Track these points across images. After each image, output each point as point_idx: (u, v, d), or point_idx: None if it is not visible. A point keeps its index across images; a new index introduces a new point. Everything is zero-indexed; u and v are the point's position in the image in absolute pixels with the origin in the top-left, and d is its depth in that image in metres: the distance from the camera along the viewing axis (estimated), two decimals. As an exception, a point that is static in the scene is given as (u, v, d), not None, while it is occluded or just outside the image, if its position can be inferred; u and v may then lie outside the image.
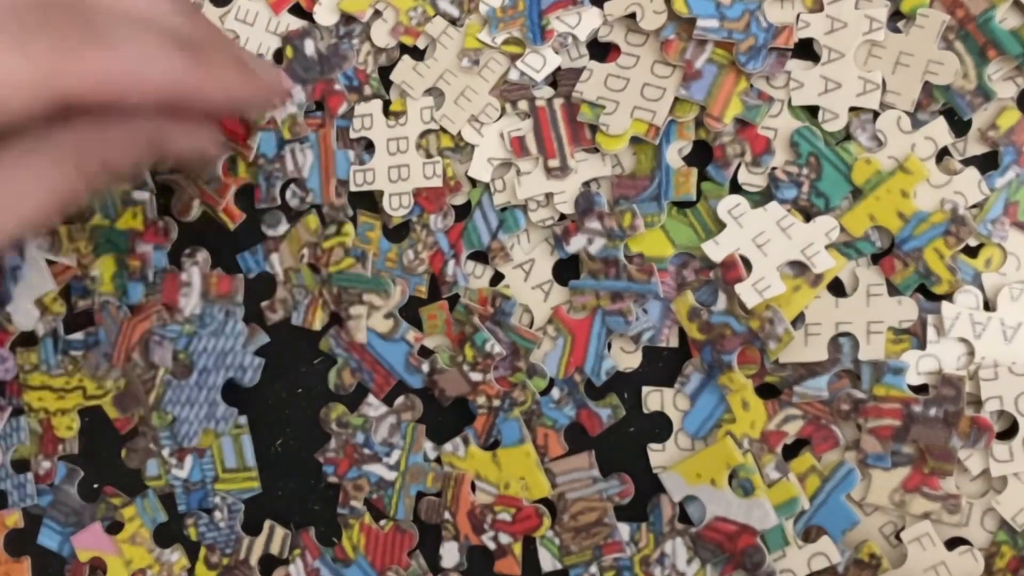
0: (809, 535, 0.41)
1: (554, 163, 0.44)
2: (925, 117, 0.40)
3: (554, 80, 0.44)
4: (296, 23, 0.47)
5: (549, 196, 0.44)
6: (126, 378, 0.49)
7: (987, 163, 0.40)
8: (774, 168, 0.42)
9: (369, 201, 0.47)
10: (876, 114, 0.41)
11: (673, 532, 0.42)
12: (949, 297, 0.40)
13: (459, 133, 0.45)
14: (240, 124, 0.48)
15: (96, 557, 0.49)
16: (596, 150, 0.44)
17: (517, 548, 0.44)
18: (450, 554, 0.45)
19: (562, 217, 0.44)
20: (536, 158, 0.44)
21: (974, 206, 0.40)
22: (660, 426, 0.43)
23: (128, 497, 0.49)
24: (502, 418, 0.44)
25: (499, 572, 0.45)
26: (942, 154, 0.40)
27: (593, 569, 0.43)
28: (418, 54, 0.46)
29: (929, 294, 0.40)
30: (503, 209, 0.45)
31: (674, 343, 0.43)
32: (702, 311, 0.42)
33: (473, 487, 0.45)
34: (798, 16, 0.41)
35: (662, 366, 0.44)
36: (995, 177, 0.40)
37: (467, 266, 0.45)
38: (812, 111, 0.41)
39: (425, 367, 0.45)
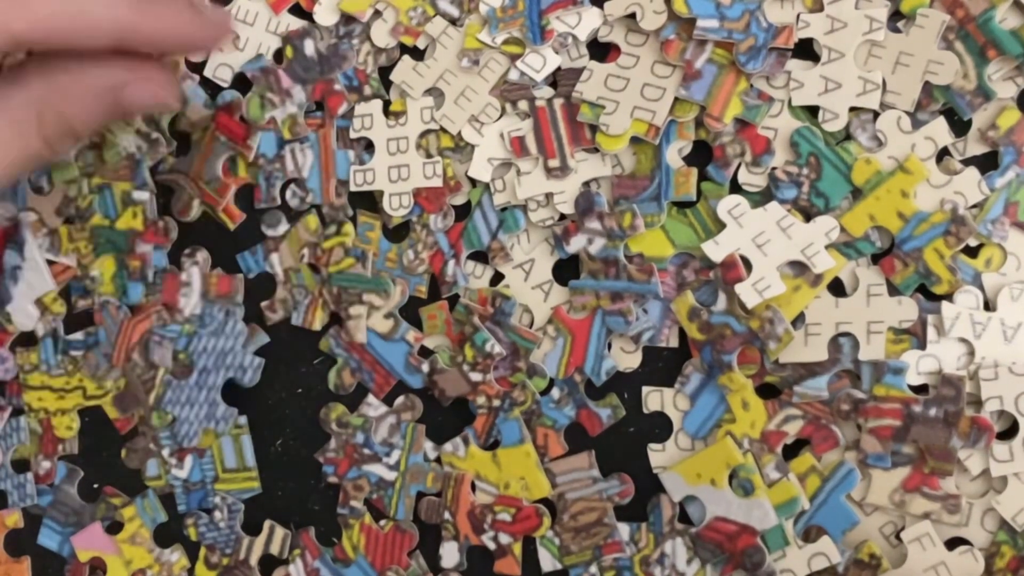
0: (809, 535, 0.41)
1: (554, 163, 0.44)
2: (925, 117, 0.40)
3: (554, 80, 0.44)
4: (296, 23, 0.47)
5: (549, 196, 0.44)
6: (126, 378, 0.49)
7: (987, 163, 0.40)
8: (774, 168, 0.42)
9: (369, 201, 0.47)
10: (876, 114, 0.41)
11: (673, 532, 0.42)
12: (949, 297, 0.40)
13: (459, 133, 0.45)
14: (240, 124, 0.48)
15: (96, 557, 0.49)
16: (596, 150, 0.44)
17: (517, 548, 0.44)
18: (450, 554, 0.45)
19: (562, 217, 0.44)
20: (536, 158, 0.44)
21: (974, 206, 0.40)
22: (660, 426, 0.43)
23: (128, 497, 0.49)
24: (502, 418, 0.44)
25: (499, 572, 0.45)
26: (942, 154, 0.40)
27: (593, 569, 0.43)
28: (418, 54, 0.46)
29: (929, 294, 0.40)
30: (503, 209, 0.45)
31: (674, 343, 0.43)
32: (702, 311, 0.42)
33: (473, 487, 0.45)
34: (798, 16, 0.41)
35: (662, 366, 0.44)
36: (995, 177, 0.40)
37: (467, 266, 0.45)
38: (812, 111, 0.41)
39: (425, 367, 0.45)
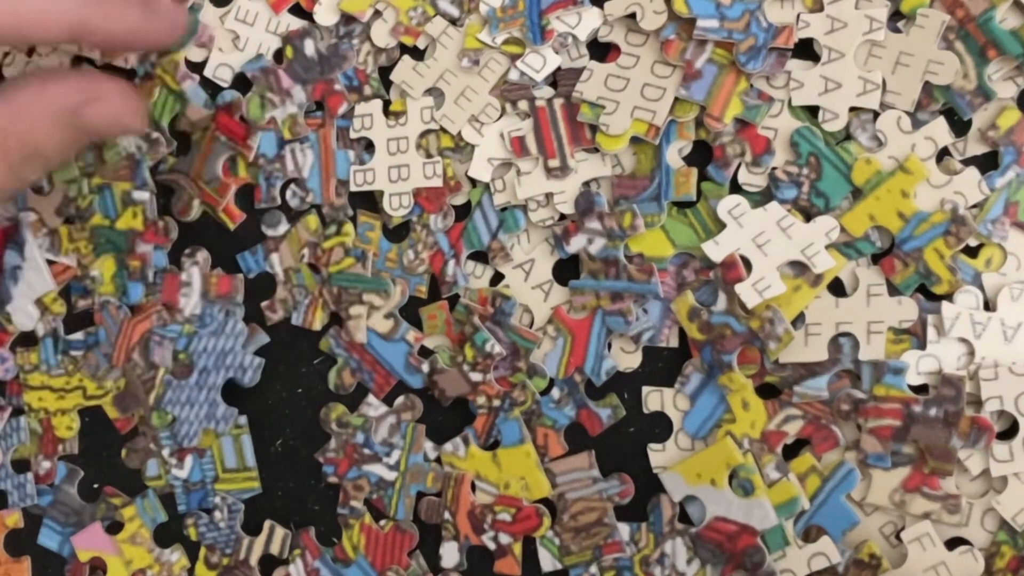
0: (809, 535, 0.41)
1: (554, 163, 0.44)
2: (925, 117, 0.40)
3: (554, 80, 0.44)
4: (296, 23, 0.47)
5: (549, 196, 0.44)
6: (126, 378, 0.49)
7: (987, 163, 0.40)
8: (774, 168, 0.42)
9: (369, 201, 0.47)
10: (876, 114, 0.41)
11: (673, 532, 0.42)
12: (949, 297, 0.40)
13: (459, 133, 0.45)
14: (240, 124, 0.48)
15: (96, 557, 0.49)
16: (596, 150, 0.44)
17: (517, 548, 0.44)
18: (450, 554, 0.45)
19: (562, 217, 0.44)
20: (536, 158, 0.44)
21: (974, 206, 0.40)
22: (660, 426, 0.43)
23: (128, 497, 0.49)
24: (502, 418, 0.44)
25: (499, 572, 0.45)
26: (942, 154, 0.40)
27: (593, 569, 0.43)
28: (418, 54, 0.46)
29: (929, 294, 0.40)
30: (503, 209, 0.45)
31: (674, 343, 0.43)
32: (702, 311, 0.42)
33: (473, 487, 0.45)
34: (798, 16, 0.41)
35: (662, 366, 0.44)
36: (995, 177, 0.40)
37: (467, 266, 0.45)
38: (812, 111, 0.41)
39: (425, 367, 0.45)
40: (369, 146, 0.46)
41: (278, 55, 0.48)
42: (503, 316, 0.44)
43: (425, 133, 0.46)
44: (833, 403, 0.41)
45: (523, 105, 0.44)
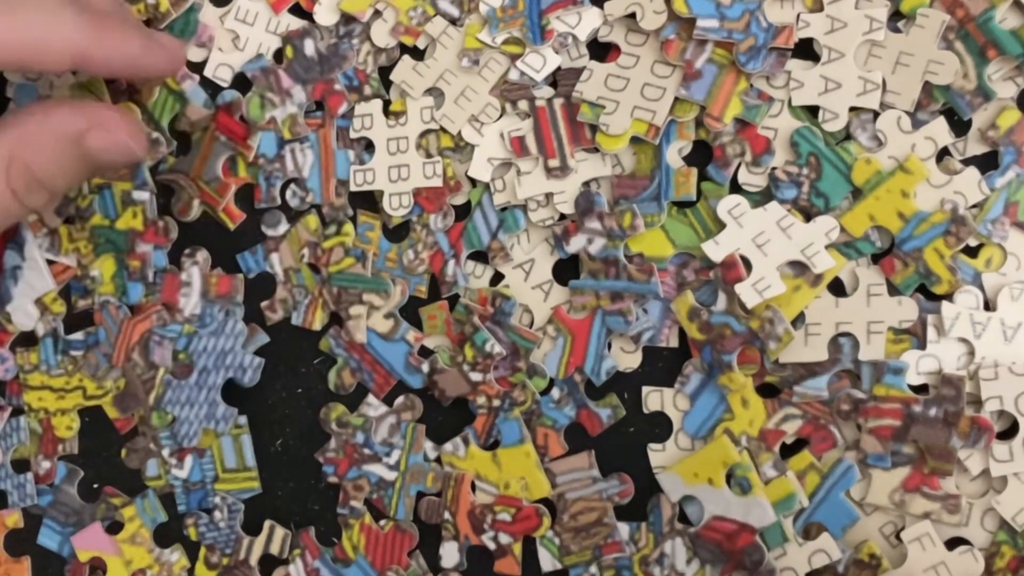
0: (809, 532, 0.41)
1: (554, 163, 0.44)
2: (925, 117, 0.40)
3: (554, 80, 0.44)
4: (296, 23, 0.47)
5: (549, 196, 0.44)
6: (126, 378, 0.49)
7: (987, 163, 0.40)
8: (774, 168, 0.42)
9: (369, 201, 0.47)
10: (876, 114, 0.41)
11: (673, 532, 0.42)
12: (949, 297, 0.40)
13: (459, 133, 0.45)
14: (240, 124, 0.48)
15: (96, 557, 0.49)
16: (596, 150, 0.44)
17: (517, 548, 0.44)
18: (450, 554, 0.45)
19: (562, 217, 0.44)
20: (536, 158, 0.44)
21: (974, 206, 0.40)
22: (660, 426, 0.43)
23: (128, 497, 0.49)
24: (502, 418, 0.44)
25: (499, 572, 0.45)
26: (942, 154, 0.40)
27: (593, 569, 0.43)
28: (418, 54, 0.46)
29: (929, 294, 0.40)
30: (503, 209, 0.45)
31: (674, 343, 0.43)
32: (702, 311, 0.42)
33: (473, 487, 0.45)
34: (798, 16, 0.41)
35: (662, 366, 0.44)
36: (995, 177, 0.40)
37: (467, 266, 0.45)
38: (812, 111, 0.41)
39: (425, 367, 0.45)
40: (369, 146, 0.46)
41: (278, 55, 0.48)
42: (503, 316, 0.44)
43: (425, 133, 0.46)
44: (833, 403, 0.41)
45: (523, 105, 0.44)
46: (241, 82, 0.48)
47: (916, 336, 0.40)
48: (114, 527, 0.49)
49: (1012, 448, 0.39)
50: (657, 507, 0.43)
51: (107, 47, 0.40)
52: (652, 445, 0.43)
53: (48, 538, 0.50)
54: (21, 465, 0.50)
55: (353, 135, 0.46)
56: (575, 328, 0.44)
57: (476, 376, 0.44)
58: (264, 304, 0.48)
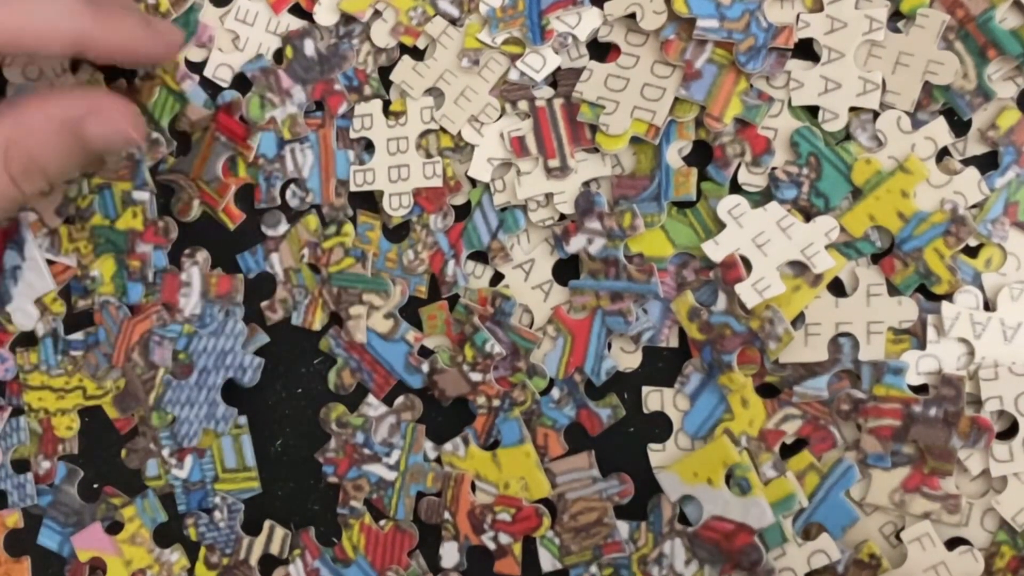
0: (809, 533, 0.41)
1: (554, 163, 0.44)
2: (925, 117, 0.40)
3: (554, 80, 0.44)
4: (296, 23, 0.47)
5: (549, 196, 0.44)
6: (126, 378, 0.49)
7: (987, 163, 0.40)
8: (774, 168, 0.42)
9: (369, 201, 0.47)
10: (876, 114, 0.41)
11: (672, 533, 0.42)
12: (949, 297, 0.40)
13: (459, 133, 0.45)
14: (240, 124, 0.48)
15: (96, 557, 0.49)
16: (596, 150, 0.44)
17: (517, 548, 0.44)
18: (450, 554, 0.45)
19: (562, 217, 0.44)
20: (536, 158, 0.44)
21: (974, 206, 0.40)
22: (660, 426, 0.43)
23: (128, 497, 0.49)
24: (502, 418, 0.44)
25: (499, 572, 0.45)
26: (942, 154, 0.40)
27: (593, 569, 0.43)
28: (418, 54, 0.46)
29: (929, 294, 0.40)
30: (503, 209, 0.45)
31: (674, 343, 0.43)
32: (702, 311, 0.42)
33: (473, 487, 0.45)
34: (798, 16, 0.41)
35: (662, 366, 0.44)
36: (995, 177, 0.40)
37: (467, 266, 0.45)
38: (812, 111, 0.41)
39: (425, 367, 0.45)
40: (369, 146, 0.46)
41: (278, 55, 0.48)
42: (503, 316, 0.44)
43: (425, 133, 0.46)
44: (833, 403, 0.41)
45: (523, 105, 0.44)
46: (241, 82, 0.48)
47: (916, 336, 0.40)
48: (114, 527, 0.49)
49: (1012, 448, 0.39)
50: (657, 507, 0.43)
51: (105, 32, 0.40)
52: (652, 445, 0.43)
53: (48, 538, 0.50)
54: (21, 465, 0.50)
55: (353, 135, 0.46)
56: (575, 328, 0.44)
57: (476, 376, 0.44)
58: (264, 304, 0.48)
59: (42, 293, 0.50)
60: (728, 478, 0.41)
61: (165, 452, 0.48)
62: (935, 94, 0.40)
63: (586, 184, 0.44)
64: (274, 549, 0.47)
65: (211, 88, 0.48)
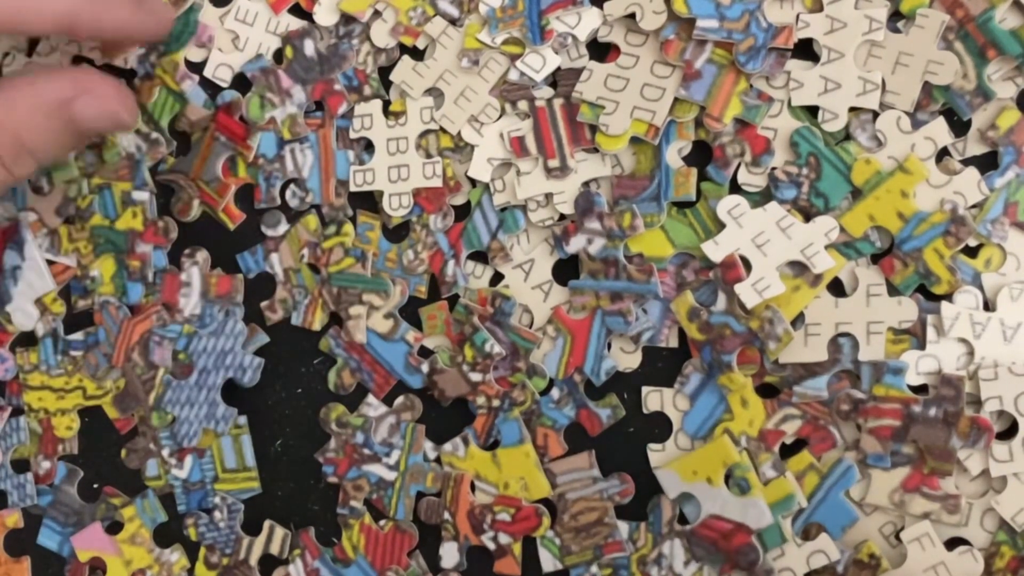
0: (809, 533, 0.41)
1: (554, 163, 0.44)
2: (925, 117, 0.40)
3: (554, 80, 0.44)
4: (296, 23, 0.47)
5: (549, 196, 0.44)
6: (126, 378, 0.49)
7: (987, 163, 0.40)
8: (774, 168, 0.42)
9: (369, 201, 0.47)
10: (876, 114, 0.41)
11: (672, 533, 0.42)
12: (949, 297, 0.40)
13: (459, 133, 0.45)
14: (240, 124, 0.48)
15: (96, 557, 0.49)
16: (596, 150, 0.44)
17: (517, 548, 0.44)
18: (450, 554, 0.45)
19: (562, 217, 0.44)
20: (536, 158, 0.44)
21: (974, 206, 0.40)
22: (660, 426, 0.43)
23: (128, 497, 0.49)
24: (502, 418, 0.44)
25: (499, 572, 0.45)
26: (942, 154, 0.40)
27: (594, 569, 0.43)
28: (418, 54, 0.46)
29: (929, 294, 0.40)
30: (503, 209, 0.45)
31: (674, 343, 0.43)
32: (702, 311, 0.42)
33: (473, 487, 0.45)
34: (798, 16, 0.41)
35: (662, 366, 0.44)
36: (995, 177, 0.40)
37: (467, 266, 0.45)
38: (812, 111, 0.41)
39: (425, 367, 0.45)
40: (369, 146, 0.46)
41: (278, 55, 0.48)
42: (503, 316, 0.44)
43: (425, 133, 0.46)
44: (833, 403, 0.41)
45: (523, 105, 0.44)
46: (241, 82, 0.48)
47: (916, 336, 0.40)
48: (114, 527, 0.49)
49: (1012, 448, 0.39)
50: (657, 507, 0.43)
51: (95, 10, 0.40)
52: (652, 445, 0.43)
53: (48, 538, 0.50)
54: (21, 465, 0.50)
55: (353, 135, 0.46)
56: (575, 328, 0.44)
57: (476, 376, 0.44)
58: (264, 304, 0.48)
59: (42, 293, 0.50)
60: (728, 478, 0.41)
61: (165, 452, 0.48)
62: (935, 94, 0.40)
63: (586, 184, 0.44)
64: (274, 549, 0.47)
65: (211, 88, 0.48)
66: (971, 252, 0.40)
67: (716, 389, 0.42)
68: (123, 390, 0.49)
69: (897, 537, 0.40)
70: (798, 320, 0.41)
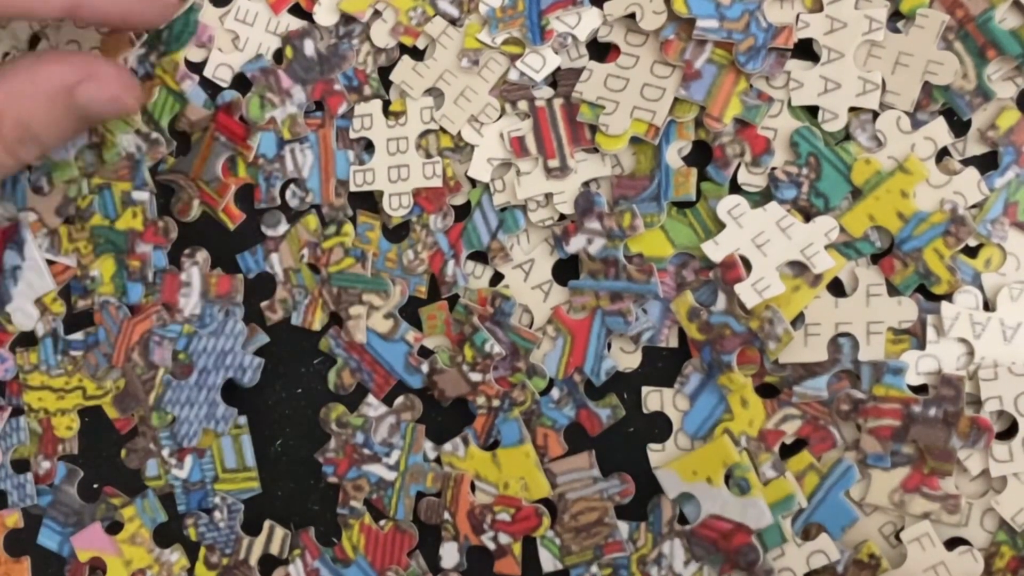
0: (809, 533, 0.41)
1: (554, 163, 0.44)
2: (925, 117, 0.40)
3: (554, 80, 0.44)
4: (296, 23, 0.47)
5: (549, 196, 0.44)
6: (126, 378, 0.49)
7: (987, 163, 0.40)
8: (774, 168, 0.42)
9: (369, 201, 0.47)
10: (876, 114, 0.41)
11: (672, 533, 0.42)
12: (949, 297, 0.40)
13: (459, 133, 0.45)
14: (240, 124, 0.48)
15: (96, 557, 0.49)
16: (596, 150, 0.44)
17: (517, 548, 0.44)
18: (450, 554, 0.45)
19: (562, 217, 0.44)
20: (536, 158, 0.44)
21: (974, 206, 0.40)
22: (660, 426, 0.43)
23: (128, 497, 0.49)
24: (502, 418, 0.44)
25: (499, 572, 0.45)
26: (942, 154, 0.40)
27: (594, 569, 0.43)
28: (418, 54, 0.46)
29: (929, 294, 0.40)
30: (503, 209, 0.45)
31: (674, 343, 0.43)
32: (702, 311, 0.42)
33: (473, 487, 0.45)
34: (798, 16, 0.41)
35: (662, 366, 0.44)
36: (995, 177, 0.40)
37: (467, 266, 0.45)
38: (812, 111, 0.41)
39: (425, 367, 0.45)
40: (369, 146, 0.46)
41: (278, 55, 0.48)
42: (503, 316, 0.44)
43: (425, 133, 0.46)
44: (833, 403, 0.41)
45: (523, 105, 0.44)
46: (241, 82, 0.48)
47: (916, 336, 0.40)
48: (114, 527, 0.49)
49: (1012, 448, 0.39)
50: (657, 507, 0.43)
51: None
52: (652, 445, 0.43)
53: (48, 538, 0.50)
54: (21, 465, 0.50)
55: (353, 135, 0.46)
56: (575, 328, 0.44)
57: (476, 376, 0.44)
58: (264, 304, 0.48)
59: (42, 293, 0.50)
60: (728, 478, 0.41)
61: (165, 452, 0.48)
62: (935, 94, 0.40)
63: (586, 184, 0.44)
64: (274, 549, 0.47)
65: (211, 88, 0.48)
66: (971, 252, 0.40)
67: (716, 389, 0.42)
68: (123, 390, 0.49)
69: (897, 537, 0.40)
70: (798, 320, 0.41)
